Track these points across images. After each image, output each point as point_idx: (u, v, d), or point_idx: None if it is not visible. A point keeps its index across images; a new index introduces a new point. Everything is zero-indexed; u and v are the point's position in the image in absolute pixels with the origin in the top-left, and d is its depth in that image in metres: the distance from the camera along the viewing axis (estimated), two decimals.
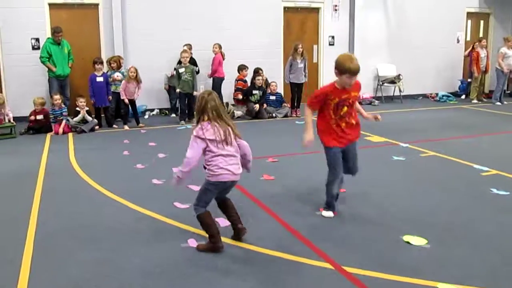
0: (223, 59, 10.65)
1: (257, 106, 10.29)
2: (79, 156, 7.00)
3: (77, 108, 9.00)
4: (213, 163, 3.71)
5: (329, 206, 4.54)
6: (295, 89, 10.63)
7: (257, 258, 3.63)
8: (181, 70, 9.61)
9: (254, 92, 10.40)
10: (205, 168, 3.81)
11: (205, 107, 3.73)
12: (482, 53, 12.73)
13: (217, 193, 3.84)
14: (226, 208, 3.97)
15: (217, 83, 10.63)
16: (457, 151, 6.94)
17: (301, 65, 10.46)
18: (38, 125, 8.79)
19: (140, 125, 9.33)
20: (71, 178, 5.89)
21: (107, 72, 9.73)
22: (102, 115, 9.51)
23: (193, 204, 3.86)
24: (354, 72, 4.11)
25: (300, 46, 10.43)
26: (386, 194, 5.11)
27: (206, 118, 3.71)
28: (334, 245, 3.83)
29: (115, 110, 9.66)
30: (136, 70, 9.19)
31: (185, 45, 10.41)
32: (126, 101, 9.16)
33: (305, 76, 10.58)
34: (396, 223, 4.27)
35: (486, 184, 5.36)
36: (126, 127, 9.25)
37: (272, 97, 10.71)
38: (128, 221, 4.41)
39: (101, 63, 9.54)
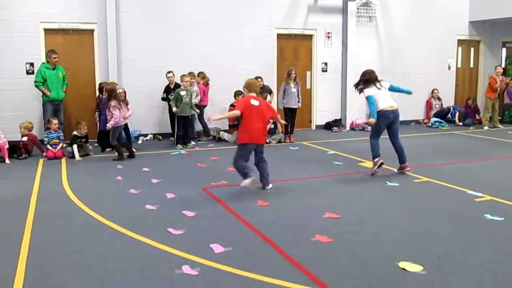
0: (206, 86, 10.76)
1: None
2: (72, 181, 6.96)
3: (76, 133, 8.90)
4: (114, 116, 8.37)
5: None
6: (289, 115, 10.68)
7: (252, 285, 3.59)
8: (182, 93, 9.65)
9: None
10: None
11: (114, 92, 8.54)
12: (498, 79, 12.77)
13: (119, 132, 8.55)
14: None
15: (200, 110, 10.70)
16: (450, 177, 6.96)
17: (294, 90, 10.54)
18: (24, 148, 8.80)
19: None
20: (64, 203, 5.84)
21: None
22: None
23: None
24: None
25: (293, 71, 10.53)
26: (381, 220, 5.10)
27: (114, 97, 8.42)
28: (330, 271, 3.80)
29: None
30: (124, 93, 9.21)
31: (169, 72, 10.38)
32: (108, 127, 8.70)
33: (298, 101, 10.65)
34: (391, 249, 4.25)
35: (481, 210, 5.37)
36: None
37: (272, 126, 10.70)
38: (122, 247, 4.36)
39: None
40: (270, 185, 6.37)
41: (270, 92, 11.09)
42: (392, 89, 7.43)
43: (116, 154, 8.54)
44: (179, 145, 9.71)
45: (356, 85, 7.38)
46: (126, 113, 8.99)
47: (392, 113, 7.10)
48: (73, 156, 8.61)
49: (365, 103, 12.79)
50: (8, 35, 9.85)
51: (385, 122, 7.15)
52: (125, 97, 9.23)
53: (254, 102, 6.16)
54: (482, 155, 8.88)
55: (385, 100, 7.11)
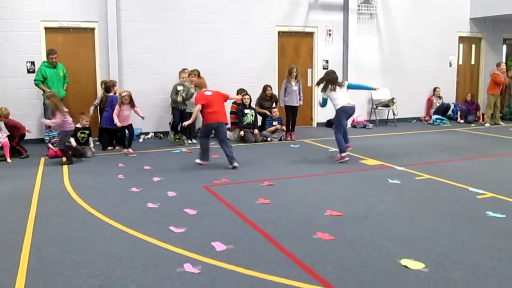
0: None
1: (256, 131, 10.34)
2: (74, 179, 6.96)
3: (78, 124, 8.82)
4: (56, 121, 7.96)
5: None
6: (290, 112, 10.69)
7: (254, 283, 3.59)
8: (179, 87, 9.86)
9: (246, 111, 10.42)
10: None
11: (58, 100, 8.08)
12: (502, 76, 12.75)
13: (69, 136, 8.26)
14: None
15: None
16: (452, 174, 6.96)
17: (296, 88, 10.53)
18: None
19: (130, 150, 9.07)
20: (65, 201, 5.84)
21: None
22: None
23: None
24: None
25: (294, 69, 10.53)
26: (383, 218, 5.09)
27: (59, 105, 7.93)
28: (332, 269, 3.80)
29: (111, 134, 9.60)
30: (129, 96, 9.00)
31: (184, 69, 10.41)
32: (119, 124, 8.98)
33: (300, 99, 10.65)
34: (393, 246, 4.25)
35: (482, 207, 5.37)
36: (125, 150, 9.10)
37: (274, 123, 10.69)
38: (123, 245, 4.36)
39: None
40: (236, 164, 7.59)
41: (276, 101, 11.01)
42: (351, 87, 8.46)
43: (64, 158, 8.13)
44: (172, 135, 9.90)
45: (318, 83, 8.40)
46: (141, 114, 9.19)
47: (350, 109, 8.11)
48: (79, 155, 8.58)
49: (366, 101, 13.04)
50: (9, 33, 9.84)
51: (345, 116, 8.22)
52: (131, 100, 9.03)
53: (208, 93, 7.78)
54: (483, 152, 8.87)
55: (343, 98, 8.07)
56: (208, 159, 7.84)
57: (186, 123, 8.24)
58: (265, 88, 10.89)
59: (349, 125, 12.58)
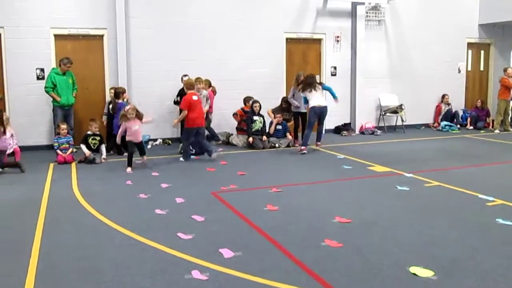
0: (214, 94, 10.75)
1: (264, 137, 10.35)
2: (82, 185, 6.99)
3: (89, 131, 8.83)
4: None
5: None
6: (298, 118, 10.69)
7: None
8: None
9: (255, 118, 10.44)
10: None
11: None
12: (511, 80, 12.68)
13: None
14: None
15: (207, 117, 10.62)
16: (461, 181, 6.91)
17: (303, 94, 10.52)
18: None
19: (145, 158, 8.59)
20: (74, 207, 5.86)
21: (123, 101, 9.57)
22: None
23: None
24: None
25: (301, 77, 10.53)
26: (391, 225, 5.07)
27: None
28: (340, 276, 3.78)
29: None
30: (134, 110, 8.17)
31: (184, 75, 10.41)
32: (118, 142, 8.68)
33: None
34: (402, 254, 4.22)
35: (492, 215, 5.32)
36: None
37: (278, 127, 10.69)
38: (132, 252, 4.37)
39: None
40: (215, 154, 8.76)
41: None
42: (325, 88, 9.94)
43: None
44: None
45: (298, 83, 10.11)
46: (145, 120, 8.38)
47: (318, 109, 9.53)
48: (88, 160, 8.62)
49: (374, 107, 13.02)
50: (18, 40, 9.93)
51: (315, 115, 9.59)
52: (137, 113, 8.15)
53: (194, 97, 8.59)
54: (493, 159, 8.81)
55: (316, 99, 9.57)
56: (189, 157, 8.90)
57: (174, 124, 9.31)
58: (285, 99, 11.00)
59: (357, 131, 12.69)
